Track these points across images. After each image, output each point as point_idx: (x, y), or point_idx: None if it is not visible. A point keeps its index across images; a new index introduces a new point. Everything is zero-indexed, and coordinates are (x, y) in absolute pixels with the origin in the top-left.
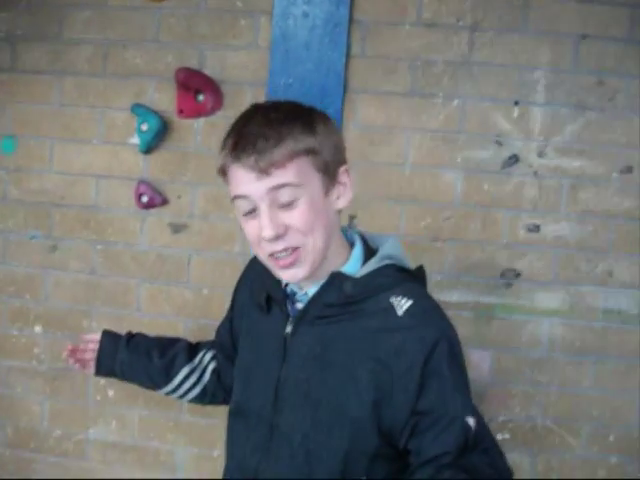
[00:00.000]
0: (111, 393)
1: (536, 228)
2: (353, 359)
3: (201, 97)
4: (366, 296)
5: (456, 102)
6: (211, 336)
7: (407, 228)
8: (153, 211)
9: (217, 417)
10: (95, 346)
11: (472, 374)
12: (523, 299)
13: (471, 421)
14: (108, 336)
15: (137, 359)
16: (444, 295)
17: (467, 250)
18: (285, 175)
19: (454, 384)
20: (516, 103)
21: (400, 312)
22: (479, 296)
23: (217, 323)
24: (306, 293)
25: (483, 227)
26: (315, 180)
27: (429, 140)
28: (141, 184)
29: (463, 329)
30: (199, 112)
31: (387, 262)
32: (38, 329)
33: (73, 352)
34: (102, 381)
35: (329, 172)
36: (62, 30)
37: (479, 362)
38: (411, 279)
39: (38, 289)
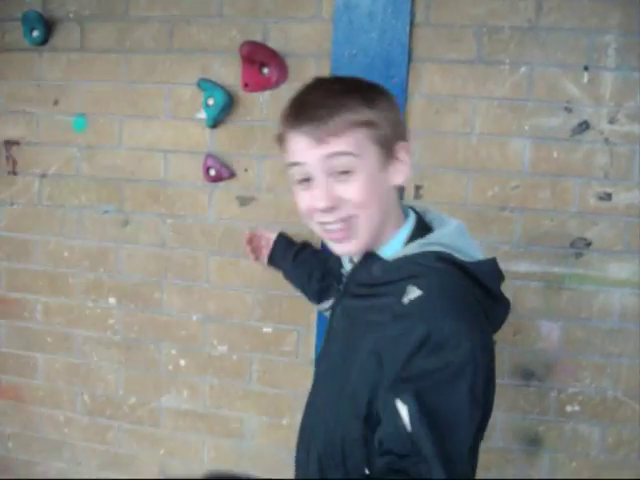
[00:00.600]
0: (182, 363)
1: (607, 196)
2: (362, 341)
3: (266, 70)
4: (389, 280)
5: (523, 69)
6: (278, 308)
7: (474, 198)
8: (221, 184)
9: (285, 388)
10: (267, 242)
11: (542, 345)
12: (594, 269)
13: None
14: (281, 241)
15: (299, 275)
16: (512, 265)
17: (536, 219)
18: (342, 144)
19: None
20: (586, 68)
21: (406, 301)
22: (548, 266)
23: (286, 294)
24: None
25: (552, 196)
26: (372, 153)
27: (496, 108)
28: (208, 158)
29: (532, 300)
30: (264, 85)
31: (432, 249)
32: (112, 301)
33: (250, 240)
34: (174, 351)
35: (387, 146)
36: (128, 9)
37: (548, 333)
38: (454, 272)
39: (111, 262)
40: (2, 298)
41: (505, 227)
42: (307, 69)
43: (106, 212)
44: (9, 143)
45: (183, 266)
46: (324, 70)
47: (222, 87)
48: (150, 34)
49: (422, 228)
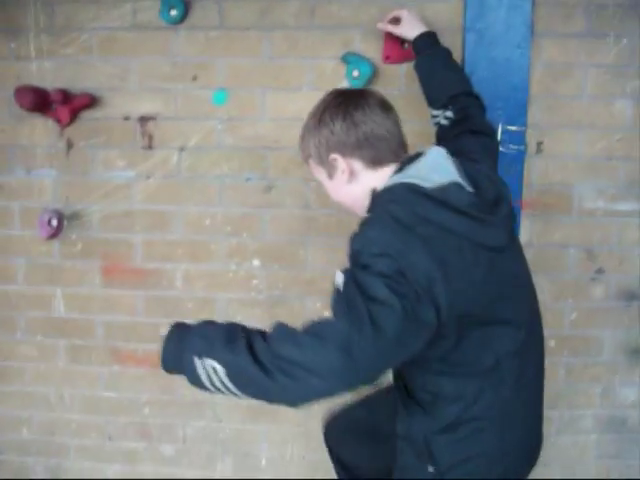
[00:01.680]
0: (327, 314)
1: None
2: None
3: (406, 45)
4: (369, 208)
5: (625, 40)
6: None
7: (585, 150)
8: None
9: None
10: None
11: None
12: None
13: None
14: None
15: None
16: (618, 205)
17: (637, 166)
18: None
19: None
20: None
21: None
22: None
23: None
24: None
25: None
26: (320, 171)
27: (603, 74)
28: None
29: (634, 233)
30: (405, 58)
31: (404, 180)
32: (256, 262)
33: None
34: (318, 304)
35: (324, 162)
36: None
37: None
38: (414, 198)
39: (255, 226)
40: (140, 269)
41: (611, 174)
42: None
43: (248, 180)
44: (144, 119)
45: (326, 225)
46: (456, 44)
47: (368, 60)
48: (291, 12)
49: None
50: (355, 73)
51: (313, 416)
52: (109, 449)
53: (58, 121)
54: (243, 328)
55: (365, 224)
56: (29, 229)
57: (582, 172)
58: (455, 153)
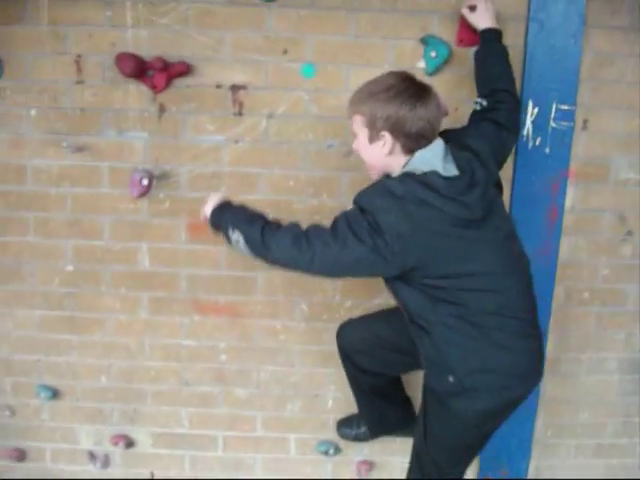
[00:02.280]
0: None
1: None
2: None
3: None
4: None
5: None
6: None
7: (622, 128)
8: None
9: None
10: None
11: None
12: None
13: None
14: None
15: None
16: None
17: None
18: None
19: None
20: None
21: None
22: None
23: None
24: None
25: None
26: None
27: None
28: None
29: None
30: (475, 42)
31: (406, 169)
32: None
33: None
34: None
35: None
36: None
37: None
38: (409, 181)
39: (334, 188)
40: None
41: None
42: (507, 30)
43: (330, 146)
44: (236, 87)
45: None
46: (520, 31)
47: (446, 42)
48: None
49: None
50: (433, 54)
51: None
52: (185, 394)
53: (153, 87)
54: (263, 216)
55: (371, 186)
56: (118, 188)
57: (619, 147)
58: (465, 135)
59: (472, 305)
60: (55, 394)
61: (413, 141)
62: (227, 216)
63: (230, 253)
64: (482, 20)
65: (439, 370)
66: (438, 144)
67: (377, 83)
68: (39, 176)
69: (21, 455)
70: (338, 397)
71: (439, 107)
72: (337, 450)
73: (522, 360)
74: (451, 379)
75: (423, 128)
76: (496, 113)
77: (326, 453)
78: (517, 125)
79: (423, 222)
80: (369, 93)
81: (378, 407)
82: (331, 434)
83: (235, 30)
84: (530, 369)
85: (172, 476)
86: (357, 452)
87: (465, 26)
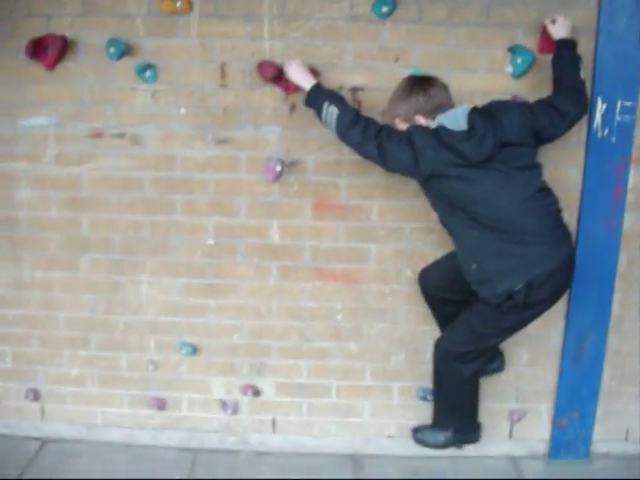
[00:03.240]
0: None
1: None
2: None
3: None
4: None
5: None
6: None
7: None
8: None
9: None
10: None
11: None
12: None
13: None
14: None
15: None
16: None
17: None
18: None
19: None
20: None
21: None
22: None
23: None
24: None
25: None
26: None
27: None
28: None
29: None
30: (554, 49)
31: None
32: None
33: None
34: None
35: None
36: None
37: None
38: (430, 130)
39: None
40: (344, 205)
41: None
42: (581, 40)
43: None
44: (355, 89)
45: None
46: (591, 40)
47: (530, 50)
48: (472, 12)
49: None
50: (519, 60)
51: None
52: (305, 349)
53: (286, 89)
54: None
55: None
56: (254, 174)
57: None
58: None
59: (481, 215)
60: (194, 350)
61: (436, 112)
62: (327, 94)
63: (347, 227)
64: (560, 31)
65: (466, 260)
66: (454, 110)
67: (394, 92)
68: (186, 164)
69: (161, 404)
70: None
71: (444, 85)
72: None
73: (533, 250)
74: (474, 266)
75: (439, 102)
76: (556, 98)
77: (424, 399)
78: (570, 115)
79: (433, 154)
80: (396, 100)
81: None
82: (428, 382)
83: (355, 41)
84: (542, 255)
85: (292, 421)
86: None
87: (546, 36)
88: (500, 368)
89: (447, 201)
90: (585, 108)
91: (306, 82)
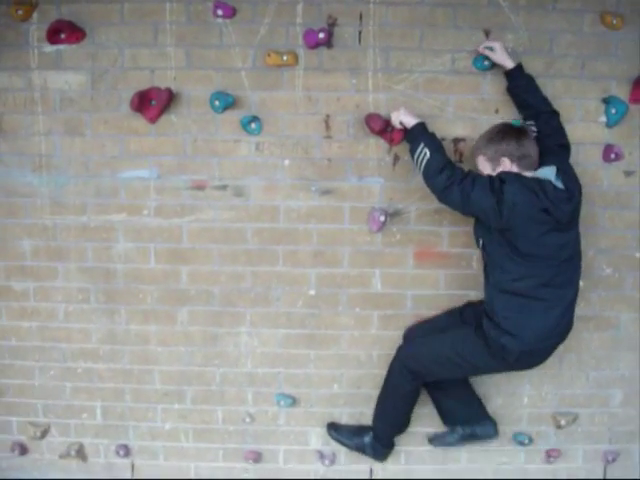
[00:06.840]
0: None
1: None
2: None
3: None
4: None
5: None
6: None
7: None
8: (614, 163)
9: None
10: None
11: None
12: None
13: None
14: None
15: None
16: None
17: None
18: None
19: None
20: None
21: None
22: None
23: None
24: None
25: None
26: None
27: None
28: (607, 146)
29: None
30: None
31: (531, 175)
32: None
33: None
34: None
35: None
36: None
37: None
38: (527, 178)
39: None
40: (445, 252)
41: None
42: None
43: None
44: (457, 140)
45: None
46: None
47: (624, 102)
48: (568, 66)
49: None
50: (613, 110)
51: None
52: None
53: (390, 141)
54: (447, 160)
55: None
56: (357, 224)
57: None
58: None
59: (525, 275)
60: (293, 402)
61: (521, 160)
62: (427, 136)
63: (448, 275)
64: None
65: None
66: (549, 167)
67: (488, 132)
68: (290, 215)
69: (257, 457)
70: (532, 394)
71: (535, 140)
72: (530, 440)
73: (546, 328)
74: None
75: (528, 151)
76: (556, 136)
77: (521, 443)
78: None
79: (526, 206)
80: (484, 140)
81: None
82: (525, 426)
83: (456, 94)
84: (551, 335)
85: (389, 469)
86: (544, 442)
87: (638, 89)
88: (493, 435)
89: (509, 245)
90: None
91: (412, 119)
